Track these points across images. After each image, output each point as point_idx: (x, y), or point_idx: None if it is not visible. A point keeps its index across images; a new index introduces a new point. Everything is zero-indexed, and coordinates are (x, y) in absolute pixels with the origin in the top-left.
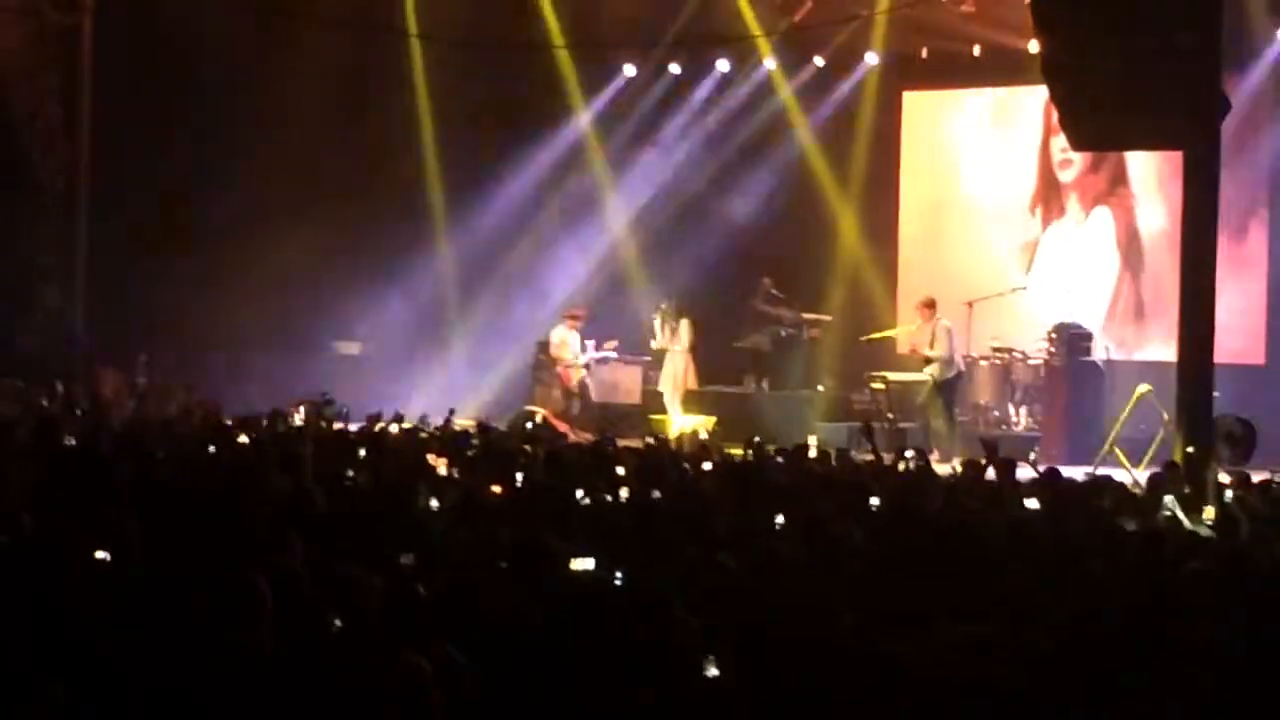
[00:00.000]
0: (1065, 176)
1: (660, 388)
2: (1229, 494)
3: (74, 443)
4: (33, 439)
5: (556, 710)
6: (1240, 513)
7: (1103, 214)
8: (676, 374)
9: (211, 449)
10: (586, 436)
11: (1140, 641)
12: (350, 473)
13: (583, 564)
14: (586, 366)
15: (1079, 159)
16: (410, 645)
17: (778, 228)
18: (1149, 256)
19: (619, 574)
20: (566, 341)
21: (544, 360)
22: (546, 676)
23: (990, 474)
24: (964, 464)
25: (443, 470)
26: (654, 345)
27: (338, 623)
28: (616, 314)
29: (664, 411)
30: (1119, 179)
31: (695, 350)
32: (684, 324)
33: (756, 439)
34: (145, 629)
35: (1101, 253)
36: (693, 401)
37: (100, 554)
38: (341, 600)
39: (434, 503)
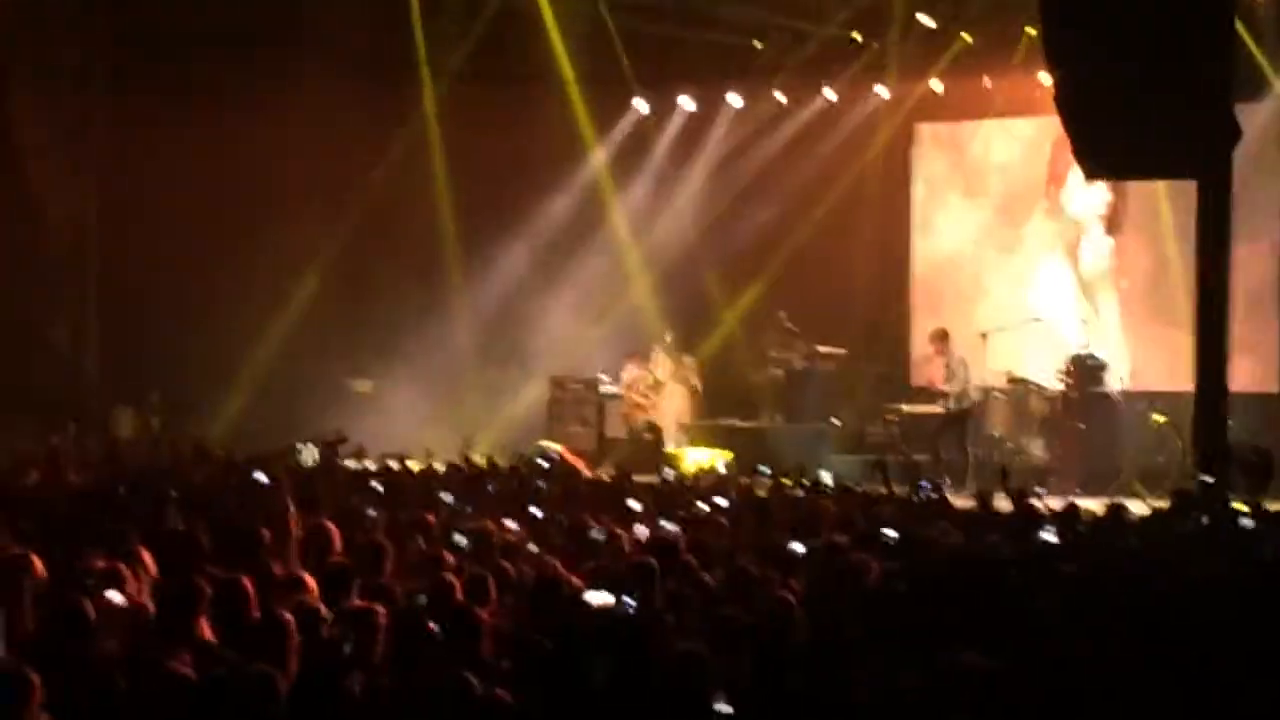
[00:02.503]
0: (1078, 208)
1: (660, 422)
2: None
3: (86, 482)
4: (43, 478)
5: None
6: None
7: (1116, 245)
8: (677, 408)
9: (226, 488)
10: (601, 472)
11: (1161, 674)
12: (370, 511)
13: (599, 598)
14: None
15: (1093, 189)
16: (422, 675)
17: (790, 261)
18: (1162, 286)
19: (633, 608)
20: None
21: (559, 396)
22: (560, 709)
23: (1003, 504)
24: (977, 495)
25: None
26: (654, 379)
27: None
28: (629, 347)
29: (663, 447)
30: (1135, 209)
31: (696, 385)
32: (687, 359)
33: (762, 468)
34: (161, 669)
35: (1116, 283)
36: (705, 435)
37: (113, 595)
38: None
39: (456, 538)
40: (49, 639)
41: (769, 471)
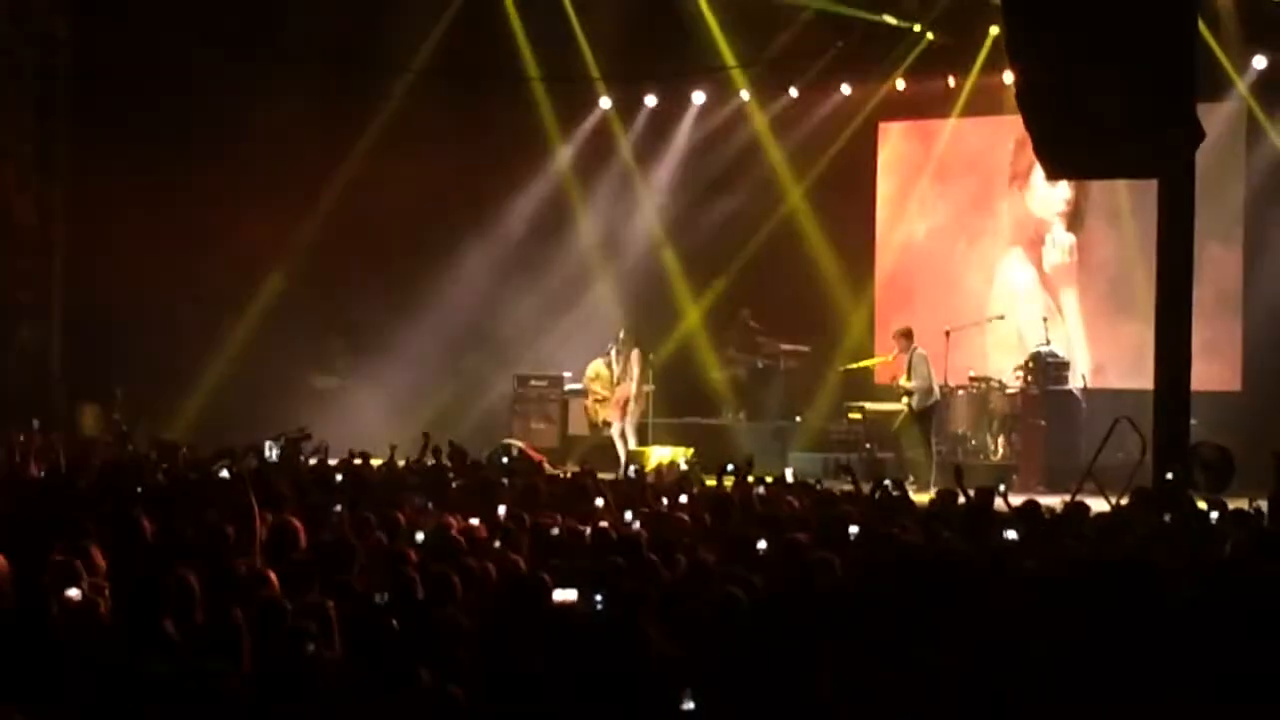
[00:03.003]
0: (1040, 206)
1: (608, 418)
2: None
3: (50, 479)
4: (5, 473)
5: None
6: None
7: (1077, 242)
8: (627, 403)
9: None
10: (565, 469)
11: (1127, 671)
12: (337, 507)
13: (564, 595)
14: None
15: (1054, 188)
16: (384, 673)
17: (754, 259)
18: (1122, 285)
19: (598, 603)
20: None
21: (523, 394)
22: (524, 708)
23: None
24: (938, 494)
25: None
26: (590, 374)
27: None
28: (595, 346)
29: (613, 443)
30: (1095, 208)
31: (643, 382)
32: (634, 354)
33: (730, 465)
34: (122, 664)
35: (1076, 283)
36: (667, 432)
37: (72, 591)
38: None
39: (418, 536)
40: (10, 634)
41: (732, 469)
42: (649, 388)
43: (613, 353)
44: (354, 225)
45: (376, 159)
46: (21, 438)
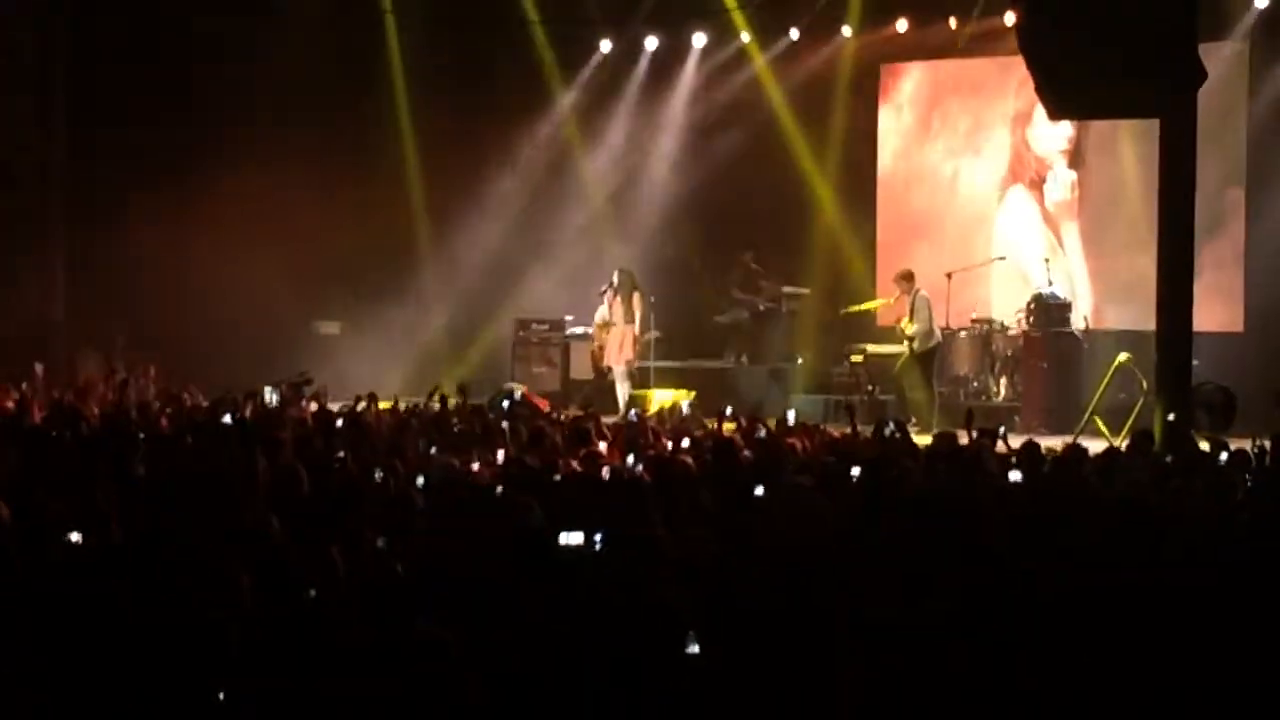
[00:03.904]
0: (1041, 147)
1: (607, 362)
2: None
3: (50, 425)
4: (8, 422)
5: (538, 685)
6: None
7: (1079, 178)
8: (624, 348)
9: (191, 432)
10: (567, 413)
11: (1131, 613)
12: (340, 454)
13: (570, 538)
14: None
15: (1056, 128)
16: (387, 621)
17: (756, 202)
18: (1125, 222)
19: (602, 547)
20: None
21: (524, 337)
22: (527, 652)
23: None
24: (937, 435)
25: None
26: (598, 319)
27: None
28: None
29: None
30: (1098, 148)
31: (645, 327)
32: (636, 297)
33: (729, 409)
34: (123, 609)
35: (1078, 221)
36: (669, 376)
37: (75, 535)
38: (319, 577)
39: (419, 480)
40: (11, 580)
41: (730, 413)
42: (655, 334)
43: (606, 295)
44: (355, 173)
45: (377, 107)
46: (24, 385)
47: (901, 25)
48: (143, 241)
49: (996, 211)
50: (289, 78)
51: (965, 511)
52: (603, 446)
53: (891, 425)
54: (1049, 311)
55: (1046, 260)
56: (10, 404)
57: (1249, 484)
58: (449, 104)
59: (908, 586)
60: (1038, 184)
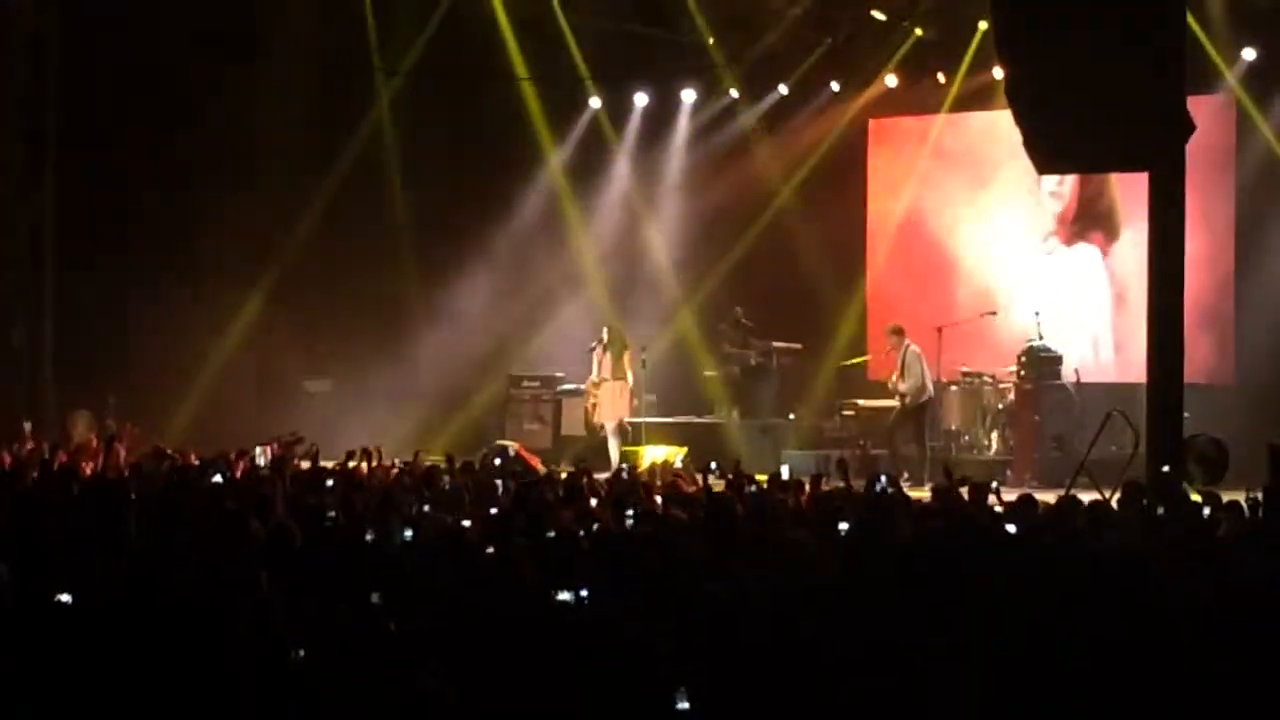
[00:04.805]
0: (1032, 202)
1: (598, 419)
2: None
3: (41, 487)
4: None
5: None
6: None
7: (1072, 234)
8: (615, 404)
9: (182, 490)
10: (559, 469)
11: (1124, 666)
12: (332, 513)
13: (560, 595)
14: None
15: (1049, 183)
16: (381, 676)
17: (747, 258)
18: (1124, 285)
19: (594, 603)
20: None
21: (516, 394)
22: (521, 708)
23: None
24: (934, 489)
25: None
26: (593, 378)
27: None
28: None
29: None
30: (1090, 203)
31: (636, 383)
32: (627, 355)
33: (713, 464)
34: (115, 669)
35: (1071, 274)
36: (660, 432)
37: (63, 597)
38: (310, 633)
39: (407, 533)
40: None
41: (715, 468)
42: (650, 397)
43: (595, 353)
44: (345, 228)
45: (367, 163)
46: (14, 445)
47: (891, 80)
48: (132, 301)
49: (988, 266)
50: (278, 136)
51: (958, 563)
52: (594, 502)
53: (884, 480)
54: (1040, 365)
55: (1037, 314)
56: (5, 463)
57: (1238, 538)
58: (439, 160)
59: (901, 642)
60: (1031, 240)
